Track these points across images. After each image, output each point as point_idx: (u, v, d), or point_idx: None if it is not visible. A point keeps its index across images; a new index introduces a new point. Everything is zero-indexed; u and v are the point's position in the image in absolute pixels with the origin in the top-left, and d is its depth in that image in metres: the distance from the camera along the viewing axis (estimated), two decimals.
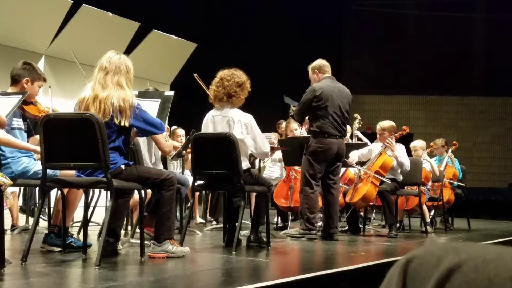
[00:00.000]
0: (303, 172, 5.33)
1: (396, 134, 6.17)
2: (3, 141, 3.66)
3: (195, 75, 5.56)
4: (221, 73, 4.54)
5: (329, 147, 5.24)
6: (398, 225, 6.13)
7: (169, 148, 4.72)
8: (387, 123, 6.11)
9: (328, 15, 14.30)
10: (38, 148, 3.50)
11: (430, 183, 6.90)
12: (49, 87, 4.50)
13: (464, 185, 7.66)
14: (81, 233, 4.19)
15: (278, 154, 6.83)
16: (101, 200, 5.74)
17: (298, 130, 6.49)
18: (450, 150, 7.63)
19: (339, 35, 15.21)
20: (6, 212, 4.42)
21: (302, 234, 5.20)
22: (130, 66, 3.66)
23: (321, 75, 5.48)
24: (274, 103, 5.59)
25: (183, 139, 6.23)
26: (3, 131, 3.65)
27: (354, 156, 6.00)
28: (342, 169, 7.02)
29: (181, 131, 6.43)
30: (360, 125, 7.53)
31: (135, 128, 3.66)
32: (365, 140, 7.46)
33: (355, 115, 7.61)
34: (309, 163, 5.25)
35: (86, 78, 4.68)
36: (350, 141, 7.56)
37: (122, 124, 3.45)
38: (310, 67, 5.57)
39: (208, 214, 7.12)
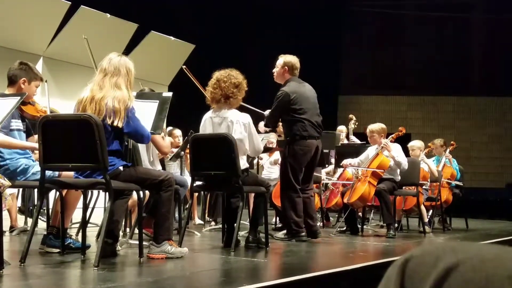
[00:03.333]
0: (285, 176, 5.15)
1: (393, 135, 6.19)
2: (1, 144, 3.66)
3: (184, 67, 5.55)
4: (217, 74, 4.52)
5: (309, 149, 5.13)
6: (396, 225, 6.13)
7: (168, 148, 4.72)
8: (376, 126, 6.13)
9: (327, 15, 14.30)
10: (37, 145, 3.49)
11: (428, 183, 6.91)
12: (45, 81, 4.49)
13: (462, 184, 7.67)
14: (80, 234, 4.19)
15: (276, 156, 6.82)
16: (100, 201, 5.74)
17: None
18: (448, 150, 7.64)
19: (337, 35, 15.21)
20: (5, 213, 4.42)
21: (290, 238, 5.10)
22: (130, 68, 3.66)
23: (288, 75, 5.27)
24: (272, 102, 5.56)
25: (180, 140, 6.22)
26: (0, 134, 3.65)
27: (353, 162, 6.04)
28: (340, 170, 7.04)
29: (178, 132, 6.41)
30: (355, 126, 7.54)
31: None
32: (358, 141, 7.48)
33: (350, 116, 7.62)
34: (291, 167, 5.11)
35: (96, 69, 4.68)
36: (345, 141, 7.58)
37: (115, 124, 3.46)
38: (282, 60, 5.30)
39: (206, 215, 7.11)
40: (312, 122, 5.16)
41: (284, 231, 5.27)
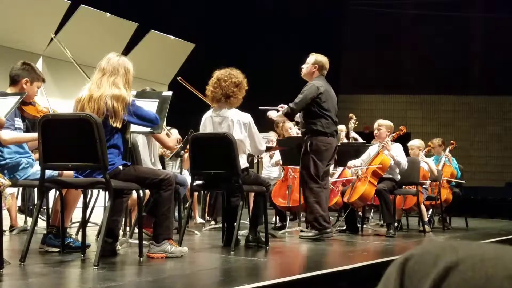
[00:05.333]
0: (308, 172, 5.16)
1: (393, 134, 6.19)
2: (12, 141, 3.69)
3: (179, 78, 5.58)
4: (218, 73, 4.52)
5: (331, 145, 5.22)
6: (396, 224, 6.13)
7: (173, 142, 4.73)
8: (385, 121, 6.20)
9: (327, 14, 14.30)
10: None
11: (428, 182, 6.91)
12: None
13: (463, 181, 7.67)
14: (80, 233, 4.19)
15: (277, 158, 6.81)
16: (100, 200, 5.74)
17: (294, 130, 6.50)
18: (447, 150, 7.65)
19: (338, 34, 15.21)
20: (5, 213, 4.43)
21: (318, 235, 5.03)
22: (129, 68, 3.67)
23: (317, 73, 5.36)
24: (273, 102, 5.55)
25: None
26: (8, 131, 3.66)
27: (356, 163, 6.05)
28: (340, 169, 7.04)
29: (174, 132, 6.36)
30: (355, 125, 7.54)
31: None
32: (361, 140, 7.47)
33: (350, 115, 7.61)
34: (313, 163, 5.14)
35: (87, 78, 4.68)
36: (345, 140, 7.58)
37: (114, 125, 3.47)
38: (314, 58, 5.39)
39: (206, 214, 7.11)
40: (334, 120, 5.26)
41: (308, 232, 5.15)
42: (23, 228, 5.12)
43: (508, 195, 12.62)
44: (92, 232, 4.86)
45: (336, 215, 7.53)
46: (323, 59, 5.41)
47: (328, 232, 5.07)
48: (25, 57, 5.03)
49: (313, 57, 5.40)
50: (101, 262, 3.15)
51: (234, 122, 4.40)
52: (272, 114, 5.46)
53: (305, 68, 5.41)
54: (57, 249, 3.78)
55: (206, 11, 12.40)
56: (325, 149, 5.18)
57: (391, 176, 6.02)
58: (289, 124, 6.53)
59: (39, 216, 4.96)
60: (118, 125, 3.48)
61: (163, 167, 5.88)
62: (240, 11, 12.67)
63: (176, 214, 5.34)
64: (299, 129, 6.51)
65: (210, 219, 6.86)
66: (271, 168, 7.09)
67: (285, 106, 5.42)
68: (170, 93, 4.14)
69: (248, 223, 4.83)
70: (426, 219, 6.79)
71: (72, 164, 3.39)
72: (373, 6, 15.17)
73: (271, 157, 7.06)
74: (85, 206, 4.06)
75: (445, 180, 7.34)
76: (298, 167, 6.00)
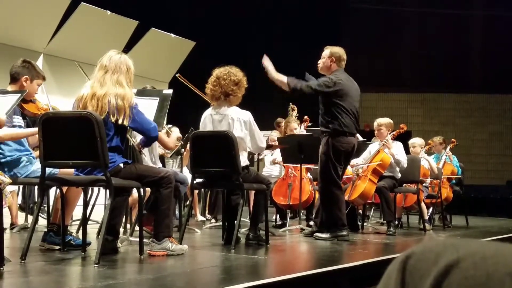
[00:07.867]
0: (329, 175, 4.98)
1: (394, 132, 6.20)
2: (7, 137, 3.68)
3: (178, 75, 5.57)
4: (217, 72, 4.51)
5: (350, 146, 5.00)
6: (396, 222, 6.14)
7: (173, 141, 4.73)
8: (384, 119, 6.18)
9: (327, 12, 14.29)
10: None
11: (428, 181, 6.91)
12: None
13: (460, 176, 7.67)
14: (80, 231, 4.19)
15: (275, 155, 6.80)
16: (100, 198, 5.74)
17: (298, 129, 6.49)
18: (448, 148, 7.65)
19: (338, 32, 15.19)
20: (5, 211, 4.43)
21: (334, 237, 4.95)
22: (130, 65, 3.67)
23: (335, 66, 5.10)
24: (273, 101, 5.54)
25: None
26: (4, 128, 3.66)
27: (358, 161, 6.05)
28: None
29: (175, 130, 6.36)
30: None
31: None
32: (361, 138, 7.48)
33: None
34: (333, 165, 4.95)
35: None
36: None
37: (120, 122, 3.46)
38: (329, 50, 5.13)
39: (207, 212, 7.12)
40: (352, 119, 5.01)
41: (324, 234, 5.07)
42: (23, 226, 5.12)
43: (509, 194, 12.63)
44: (92, 230, 4.87)
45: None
46: (340, 50, 5.16)
47: (344, 235, 4.96)
48: (26, 55, 5.02)
49: (328, 50, 5.15)
50: (101, 260, 3.15)
51: (234, 120, 4.40)
52: (272, 71, 5.02)
53: (321, 62, 5.16)
54: (58, 247, 3.78)
55: (206, 9, 12.39)
56: (343, 150, 4.97)
57: (391, 174, 6.03)
58: (294, 125, 6.52)
59: (40, 214, 4.97)
60: (125, 122, 3.48)
61: (163, 165, 5.88)
62: (240, 9, 12.66)
63: (177, 212, 5.35)
64: (300, 126, 6.51)
65: (211, 217, 6.86)
66: (272, 166, 7.09)
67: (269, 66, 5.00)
68: (170, 91, 4.14)
69: (249, 221, 4.83)
70: (427, 217, 6.79)
71: (72, 162, 3.39)
72: (373, 3, 15.15)
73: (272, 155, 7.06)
74: (85, 204, 4.06)
75: (446, 178, 7.35)
76: (299, 166, 6.01)
